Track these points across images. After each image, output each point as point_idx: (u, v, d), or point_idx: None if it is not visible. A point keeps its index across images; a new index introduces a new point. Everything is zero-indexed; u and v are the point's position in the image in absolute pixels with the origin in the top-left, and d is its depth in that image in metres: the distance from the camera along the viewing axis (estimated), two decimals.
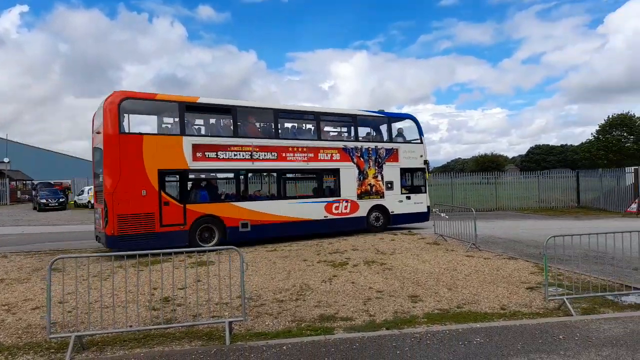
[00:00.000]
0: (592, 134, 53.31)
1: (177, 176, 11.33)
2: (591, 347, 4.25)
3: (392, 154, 14.79)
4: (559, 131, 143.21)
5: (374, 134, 15.54)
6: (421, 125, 15.61)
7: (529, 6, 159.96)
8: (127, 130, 10.78)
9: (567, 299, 5.58)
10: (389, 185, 14.70)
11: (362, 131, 15.13)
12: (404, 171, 15.14)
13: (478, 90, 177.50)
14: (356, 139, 14.34)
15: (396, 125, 15.50)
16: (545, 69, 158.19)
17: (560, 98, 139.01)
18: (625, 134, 49.48)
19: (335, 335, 4.81)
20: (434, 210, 12.53)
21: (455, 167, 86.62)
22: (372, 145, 14.44)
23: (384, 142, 14.87)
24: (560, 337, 4.56)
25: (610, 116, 50.59)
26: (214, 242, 11.40)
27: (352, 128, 14.63)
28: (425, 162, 15.67)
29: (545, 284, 6.03)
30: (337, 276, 7.74)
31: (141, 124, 12.27)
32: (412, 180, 15.53)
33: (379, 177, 14.50)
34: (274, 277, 7.74)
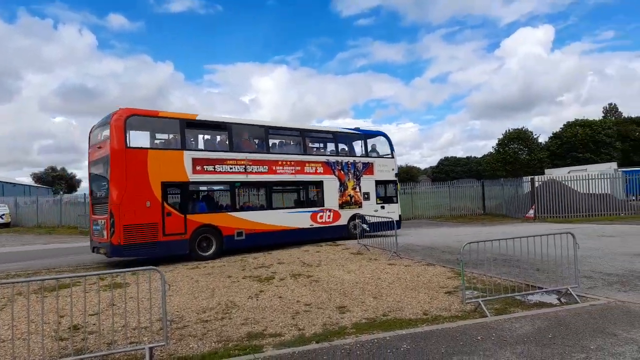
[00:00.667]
0: (492, 147, 58.40)
1: (179, 188, 11.94)
2: (507, 346, 4.55)
3: (368, 168, 16.08)
4: (465, 144, 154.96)
5: (352, 149, 16.75)
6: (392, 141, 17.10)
7: (436, 29, 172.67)
8: (132, 145, 11.23)
9: (482, 301, 5.95)
10: (366, 196, 15.93)
11: (342, 147, 16.24)
12: (378, 183, 16.38)
13: (393, 106, 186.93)
14: (337, 154, 15.60)
15: (371, 142, 16.90)
16: (452, 87, 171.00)
17: (465, 114, 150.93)
18: (520, 147, 54.76)
19: (265, 352, 4.67)
20: (357, 221, 12.87)
21: None
22: (351, 159, 15.72)
23: (361, 156, 16.20)
24: (479, 337, 4.83)
25: (508, 131, 55.78)
26: (212, 250, 12.09)
27: (333, 144, 15.89)
28: (396, 175, 17.12)
29: (463, 288, 6.39)
30: (263, 291, 7.58)
31: (142, 137, 12.69)
32: (385, 192, 16.74)
33: (357, 189, 15.72)
34: (197, 297, 7.39)
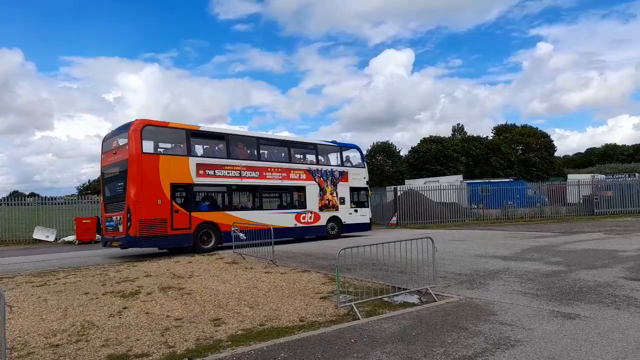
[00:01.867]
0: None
1: (185, 189, 13.68)
2: (377, 346, 4.80)
3: (344, 176, 18.38)
4: None
5: (330, 159, 18.79)
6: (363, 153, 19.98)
7: (312, 43, 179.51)
8: (147, 151, 13.04)
9: (354, 304, 6.22)
10: (342, 201, 18.12)
11: (321, 157, 18.24)
12: (352, 189, 18.65)
13: (270, 114, 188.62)
14: (317, 163, 17.70)
15: (345, 153, 19.24)
16: (326, 99, 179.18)
17: (338, 126, 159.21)
18: (385, 159, 59.54)
19: None
20: (232, 229, 12.60)
21: None
22: (329, 168, 17.97)
23: (337, 165, 18.46)
24: (352, 340, 5.02)
25: (375, 144, 60.27)
26: (211, 244, 13.98)
27: (314, 154, 17.88)
28: (367, 182, 19.52)
29: (338, 293, 6.61)
30: (128, 308, 6.90)
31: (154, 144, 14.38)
32: (358, 197, 19.01)
33: (335, 194, 17.89)
34: (45, 318, 6.42)
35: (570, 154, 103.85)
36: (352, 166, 19.09)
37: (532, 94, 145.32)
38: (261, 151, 16.38)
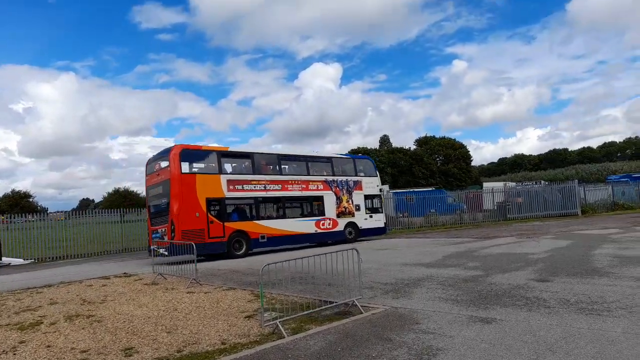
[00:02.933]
0: None
1: (218, 202, 15.57)
2: None
3: (358, 185, 20.07)
4: None
5: (345, 170, 20.37)
6: (375, 164, 22.65)
7: (241, 54, 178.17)
8: (185, 171, 14.88)
9: (279, 322, 6.00)
10: (357, 208, 19.80)
11: (337, 169, 19.96)
12: (366, 197, 20.31)
13: (198, 126, 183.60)
14: (333, 174, 19.44)
15: (359, 164, 21.19)
16: (256, 111, 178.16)
17: (269, 138, 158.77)
18: None
19: None
20: (152, 247, 11.91)
21: None
22: (344, 178, 19.64)
23: (352, 176, 20.11)
24: None
25: None
26: (242, 250, 15.83)
27: (330, 166, 19.70)
28: (380, 190, 21.51)
29: (261, 311, 6.35)
30: (25, 342, 6.12)
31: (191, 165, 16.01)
32: (372, 204, 20.60)
33: (350, 201, 19.58)
34: None
35: (485, 163, 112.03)
36: (366, 176, 20.86)
37: (451, 108, 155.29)
38: (282, 166, 18.62)
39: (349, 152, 59.83)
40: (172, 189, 14.75)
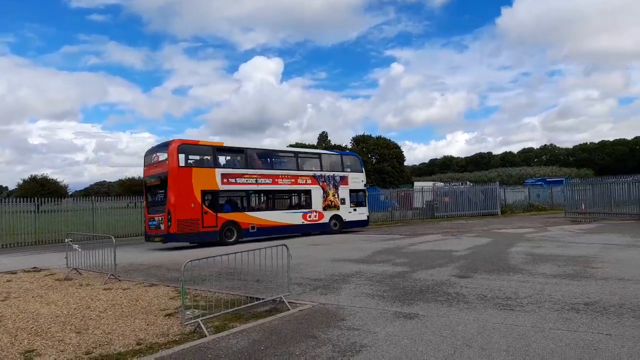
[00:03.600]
0: None
1: (212, 194, 16.67)
2: None
3: (344, 180, 21.15)
4: None
5: (332, 165, 21.32)
6: (362, 160, 23.75)
7: (179, 42, 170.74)
8: (182, 164, 16.11)
9: (201, 320, 5.73)
10: (343, 201, 20.93)
11: (324, 164, 20.91)
12: (351, 191, 21.40)
13: (129, 112, 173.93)
14: (321, 169, 20.44)
15: (345, 159, 22.40)
16: (193, 101, 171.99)
17: (206, 129, 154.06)
18: None
19: None
20: (66, 240, 11.02)
21: (100, 191, 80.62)
22: (331, 173, 20.69)
23: (338, 171, 21.15)
24: None
25: None
26: (233, 238, 16.76)
27: (319, 162, 20.76)
28: (365, 185, 22.62)
29: (182, 309, 6.04)
30: None
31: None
32: (357, 198, 21.74)
33: (336, 195, 20.69)
34: None
35: (417, 163, 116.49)
36: (352, 171, 21.88)
37: (388, 109, 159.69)
38: (274, 161, 19.57)
39: (287, 146, 59.69)
40: (170, 180, 15.71)
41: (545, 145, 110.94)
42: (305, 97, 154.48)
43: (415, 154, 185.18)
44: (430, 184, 39.18)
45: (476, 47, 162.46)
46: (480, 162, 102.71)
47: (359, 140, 70.44)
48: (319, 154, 21.90)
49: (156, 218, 16.31)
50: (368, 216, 22.73)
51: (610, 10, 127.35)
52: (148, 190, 17.40)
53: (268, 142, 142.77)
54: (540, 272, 8.96)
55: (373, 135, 71.74)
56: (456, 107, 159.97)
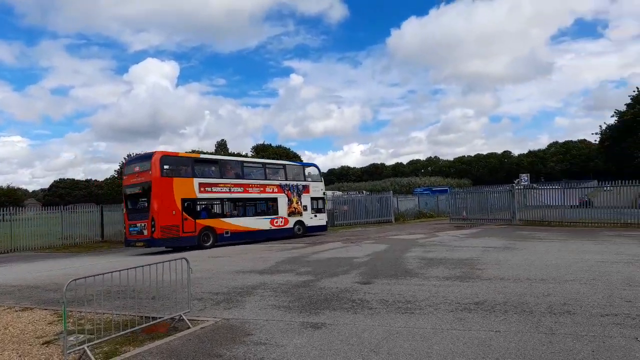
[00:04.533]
0: (115, 170, 56.82)
1: (191, 202, 18.04)
2: None
3: (306, 188, 22.95)
4: (87, 166, 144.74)
5: (295, 176, 22.89)
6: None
7: (60, 38, 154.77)
8: (164, 174, 17.36)
9: (87, 346, 5.08)
10: (305, 208, 22.75)
11: (289, 174, 22.47)
12: (312, 199, 23.24)
13: None
14: (286, 179, 22.06)
15: (307, 170, 24.12)
16: (75, 102, 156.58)
17: (90, 134, 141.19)
18: None
19: None
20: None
21: None
22: (295, 183, 22.38)
23: (301, 181, 22.89)
24: None
25: (129, 155, 55.61)
26: (210, 242, 18.34)
27: (284, 172, 22.36)
28: (324, 193, 24.92)
29: (64, 335, 5.30)
30: None
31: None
32: (317, 205, 23.73)
33: (300, 203, 22.45)
34: None
35: None
36: (312, 181, 23.86)
37: (287, 119, 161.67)
38: (245, 171, 20.93)
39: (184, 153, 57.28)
40: (154, 189, 16.82)
41: (430, 157, 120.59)
42: (203, 103, 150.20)
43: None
44: (330, 193, 40.22)
45: (369, 63, 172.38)
46: (374, 173, 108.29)
47: (259, 149, 70.11)
48: (284, 165, 23.59)
49: (138, 224, 17.36)
50: (327, 221, 25.04)
51: (483, 38, 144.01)
52: (128, 198, 18.32)
53: (163, 148, 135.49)
54: (434, 275, 9.56)
55: (273, 145, 71.94)
56: (352, 120, 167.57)
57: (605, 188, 23.57)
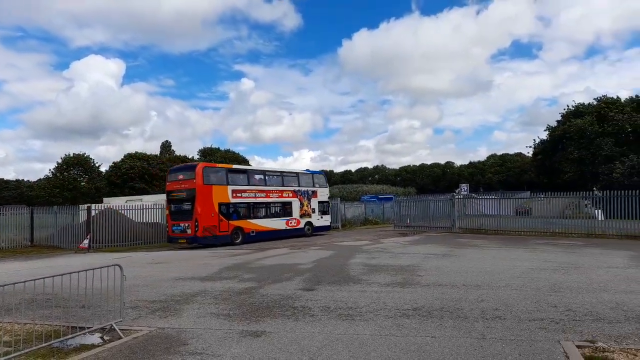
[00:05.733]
0: (50, 170, 53.33)
1: (225, 206, 21.11)
2: None
3: (314, 193, 26.39)
4: (19, 165, 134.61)
5: (306, 182, 26.26)
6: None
7: None
8: (206, 183, 20.33)
9: (6, 359, 4.69)
10: (313, 210, 26.13)
11: (301, 181, 25.96)
12: (319, 202, 26.63)
13: None
14: (299, 186, 25.60)
15: (315, 178, 27.40)
16: (9, 97, 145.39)
17: (24, 131, 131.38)
18: (80, 174, 52.63)
19: None
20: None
21: None
22: (305, 188, 25.83)
23: (310, 187, 26.29)
24: None
25: (67, 155, 52.48)
26: (239, 240, 21.31)
27: (297, 179, 25.89)
28: (329, 197, 28.47)
29: None
30: None
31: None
32: (323, 207, 27.12)
33: (309, 206, 25.84)
34: None
35: None
36: (320, 187, 27.15)
37: (237, 123, 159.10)
38: (266, 179, 24.08)
39: (124, 156, 54.89)
40: (198, 195, 19.73)
41: (377, 165, 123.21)
42: (150, 103, 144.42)
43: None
44: None
45: (320, 71, 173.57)
46: None
47: (206, 153, 68.50)
48: (298, 173, 26.53)
49: (181, 224, 20.21)
50: (331, 222, 28.34)
51: (429, 55, 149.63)
52: (172, 202, 21.20)
53: (103, 149, 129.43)
54: (376, 282, 9.71)
55: (222, 148, 70.61)
56: (303, 127, 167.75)
57: (538, 199, 25.07)
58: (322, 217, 26.96)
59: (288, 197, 24.71)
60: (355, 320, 6.50)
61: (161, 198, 33.41)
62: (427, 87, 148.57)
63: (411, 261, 13.08)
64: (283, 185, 24.83)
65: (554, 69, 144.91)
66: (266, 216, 23.35)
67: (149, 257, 16.63)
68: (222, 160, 66.79)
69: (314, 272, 11.40)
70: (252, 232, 22.08)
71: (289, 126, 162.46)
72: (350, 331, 5.91)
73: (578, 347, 5.10)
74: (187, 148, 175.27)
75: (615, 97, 56.95)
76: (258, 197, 22.90)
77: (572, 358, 4.75)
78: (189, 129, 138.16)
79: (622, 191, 20.80)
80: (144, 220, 24.13)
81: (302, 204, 25.41)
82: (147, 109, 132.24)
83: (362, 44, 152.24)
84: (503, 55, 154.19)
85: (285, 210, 24.56)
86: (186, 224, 19.99)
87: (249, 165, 70.83)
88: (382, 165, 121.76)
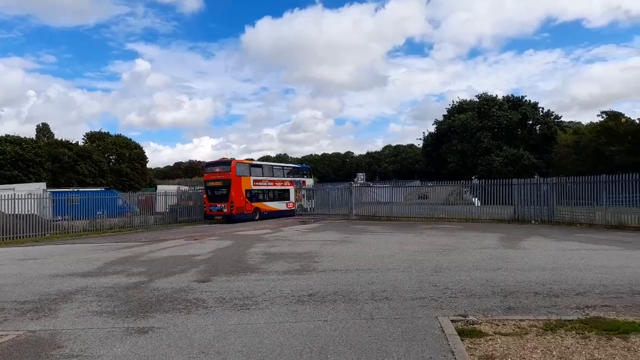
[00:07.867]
0: None
1: (249, 192, 28.11)
2: None
3: (304, 183, 34.30)
4: None
5: (299, 174, 35.07)
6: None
7: None
8: (237, 174, 27.39)
9: None
10: (303, 196, 33.22)
11: (295, 172, 34.72)
12: (307, 190, 33.59)
13: None
14: (294, 177, 33.53)
15: (303, 171, 36.82)
16: None
17: None
18: None
19: None
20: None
21: None
22: (298, 179, 33.93)
23: (301, 177, 34.74)
24: None
25: None
26: (257, 217, 28.25)
27: (292, 172, 34.36)
28: (312, 185, 36.16)
29: None
30: None
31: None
32: (309, 194, 33.25)
33: (300, 192, 33.05)
34: None
35: (162, 166, 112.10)
36: (307, 177, 35.27)
37: (131, 107, 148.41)
38: (274, 172, 31.61)
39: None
40: (232, 184, 26.77)
41: (280, 154, 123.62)
42: (28, 81, 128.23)
43: (160, 156, 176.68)
44: (174, 187, 38.14)
45: (222, 56, 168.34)
46: None
47: (94, 137, 62.90)
48: (293, 167, 36.25)
49: (218, 205, 27.03)
50: (313, 206, 32.96)
51: (330, 47, 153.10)
52: (209, 189, 27.81)
53: None
54: (274, 270, 9.75)
55: (112, 133, 65.34)
56: (203, 113, 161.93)
57: (426, 187, 27.17)
58: (308, 201, 33.14)
59: (287, 185, 32.02)
60: (250, 309, 6.45)
61: (36, 187, 29.97)
62: (329, 78, 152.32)
63: (309, 248, 13.35)
64: (284, 177, 32.29)
65: (442, 67, 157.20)
66: (273, 199, 30.37)
67: (22, 252, 14.84)
68: (112, 147, 62.00)
69: (210, 263, 11.10)
70: (265, 211, 29.08)
71: (189, 112, 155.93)
72: (245, 321, 5.85)
73: (452, 321, 5.61)
74: (74, 132, 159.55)
75: (494, 95, 63.63)
76: (269, 185, 30.21)
77: (447, 331, 5.22)
78: (74, 111, 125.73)
79: (494, 180, 23.41)
80: (16, 212, 21.44)
81: (296, 191, 32.65)
82: (23, 88, 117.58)
83: (265, 32, 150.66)
84: (398, 52, 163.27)
85: (285, 195, 31.75)
86: (222, 205, 27.04)
87: (142, 150, 66.78)
88: (285, 154, 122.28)
